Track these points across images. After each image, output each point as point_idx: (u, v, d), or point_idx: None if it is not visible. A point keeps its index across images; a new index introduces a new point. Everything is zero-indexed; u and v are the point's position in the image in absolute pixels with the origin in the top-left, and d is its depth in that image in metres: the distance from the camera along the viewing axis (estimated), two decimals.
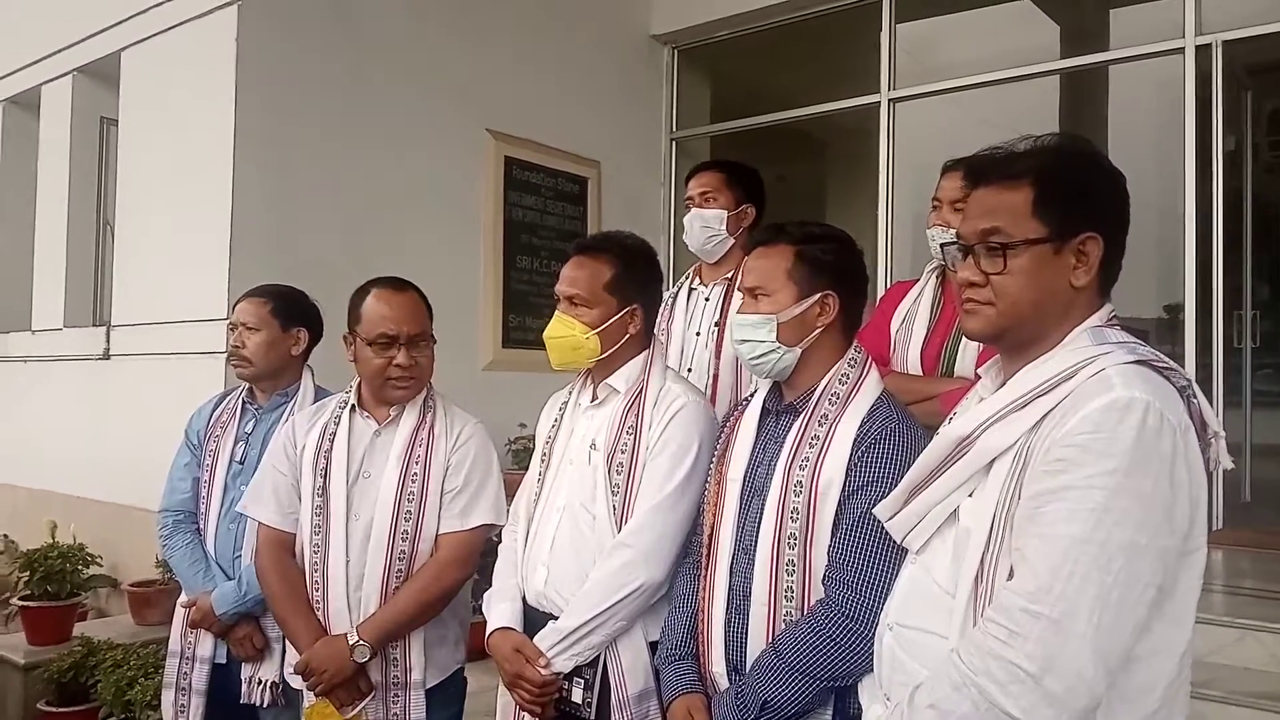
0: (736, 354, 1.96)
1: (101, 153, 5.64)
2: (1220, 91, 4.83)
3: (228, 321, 2.73)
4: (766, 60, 6.74)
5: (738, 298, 2.60)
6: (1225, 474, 1.34)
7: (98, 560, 4.32)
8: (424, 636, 2.28)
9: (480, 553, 2.35)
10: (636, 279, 2.18)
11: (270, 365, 2.71)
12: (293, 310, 2.76)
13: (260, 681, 2.51)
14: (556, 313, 2.16)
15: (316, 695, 2.22)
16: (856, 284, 1.94)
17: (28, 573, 4.07)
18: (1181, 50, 4.93)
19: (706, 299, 2.78)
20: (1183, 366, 1.33)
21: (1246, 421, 5.71)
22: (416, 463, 2.30)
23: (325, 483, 2.31)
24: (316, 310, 2.83)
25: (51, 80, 5.72)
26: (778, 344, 1.86)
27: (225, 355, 2.77)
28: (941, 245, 2.43)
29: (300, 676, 2.24)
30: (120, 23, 5.11)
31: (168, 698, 2.64)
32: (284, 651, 2.50)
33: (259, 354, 2.69)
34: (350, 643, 2.18)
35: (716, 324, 2.69)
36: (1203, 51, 4.87)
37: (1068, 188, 1.37)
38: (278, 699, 2.50)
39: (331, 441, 2.34)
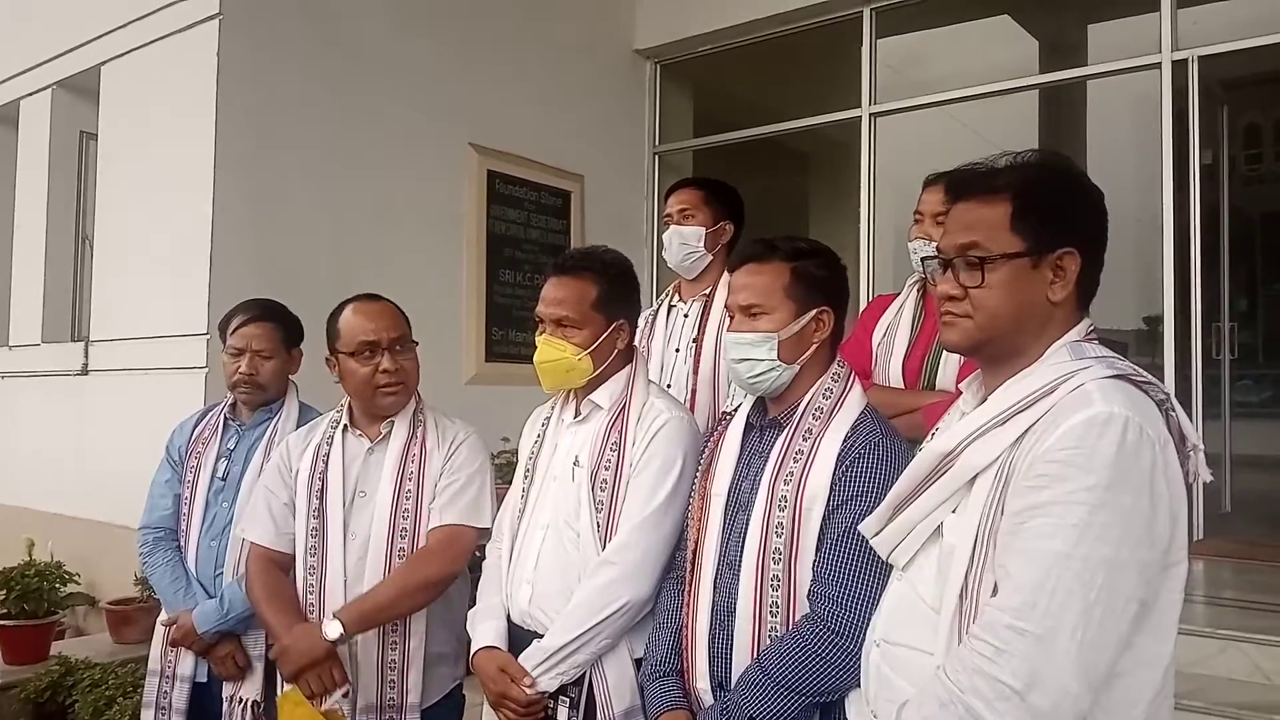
0: (730, 373, 1.95)
1: (81, 167, 5.60)
2: (1197, 106, 4.90)
3: (232, 348, 2.69)
4: (749, 75, 6.78)
5: (718, 313, 2.63)
6: (1205, 485, 1.35)
7: (75, 578, 4.28)
8: (424, 656, 2.26)
9: (469, 551, 2.31)
10: (620, 295, 2.18)
11: (279, 390, 2.73)
12: (294, 332, 2.77)
13: (241, 700, 2.49)
14: (544, 336, 2.13)
15: (286, 680, 2.18)
16: (845, 298, 1.95)
17: (4, 591, 4.01)
18: (1158, 65, 5.00)
19: (685, 315, 2.79)
20: (1162, 378, 1.35)
21: (1225, 432, 5.77)
22: (410, 478, 2.30)
23: (322, 503, 2.30)
24: (303, 328, 2.82)
25: (30, 94, 5.69)
26: (778, 362, 1.85)
27: (230, 381, 2.69)
28: (922, 259, 2.45)
29: (282, 678, 2.21)
30: (100, 37, 5.09)
31: (147, 717, 2.62)
32: (266, 670, 2.49)
33: (273, 380, 2.69)
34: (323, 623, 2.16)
35: (695, 340, 2.69)
36: (1179, 67, 4.94)
37: (1046, 203, 1.38)
38: (259, 718, 2.47)
39: (326, 462, 2.33)
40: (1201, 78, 4.91)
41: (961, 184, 1.47)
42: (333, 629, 2.13)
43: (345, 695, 2.18)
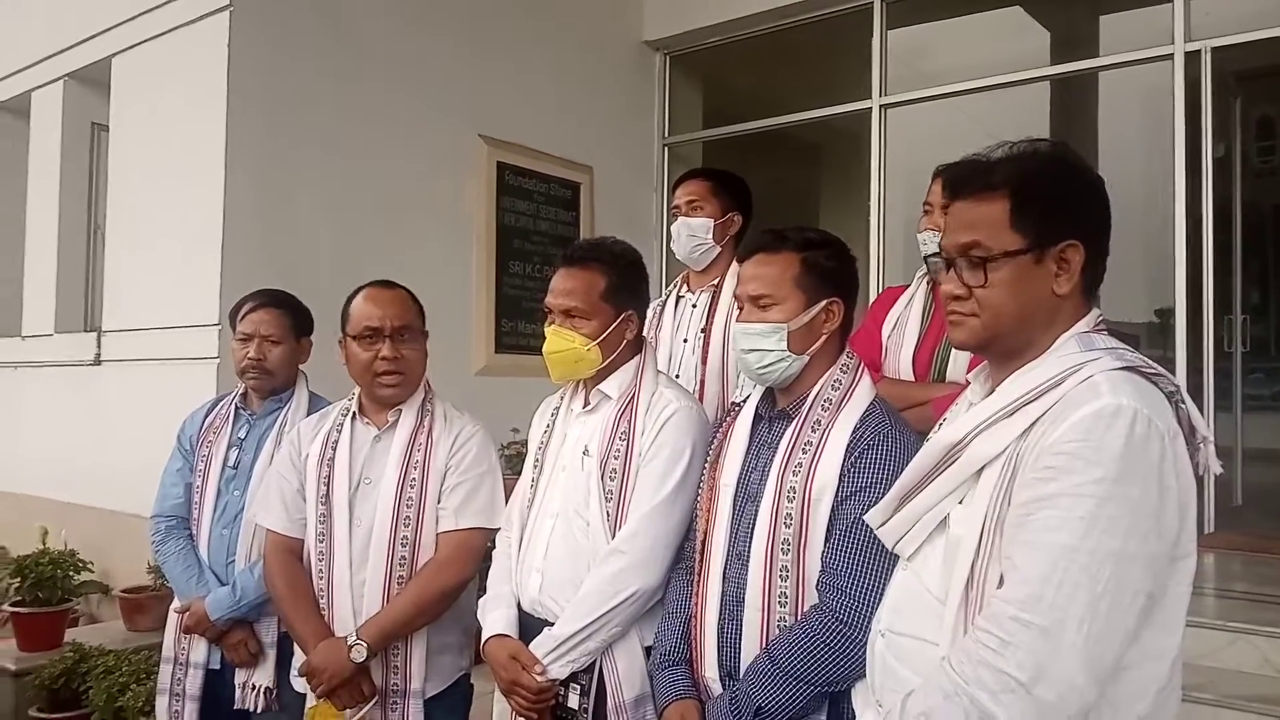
0: (739, 363, 1.94)
1: (93, 158, 5.63)
2: (1209, 98, 4.86)
3: (241, 333, 2.71)
4: (758, 66, 6.76)
5: (727, 304, 2.63)
6: (1216, 478, 1.34)
7: (89, 566, 4.31)
8: (426, 644, 2.27)
9: (481, 553, 2.34)
10: (629, 285, 2.18)
11: (289, 377, 2.74)
12: (304, 321, 2.79)
13: (254, 687, 2.52)
14: (554, 327, 2.14)
15: (318, 697, 2.22)
16: (854, 289, 1.95)
17: (19, 579, 4.05)
18: (1171, 56, 4.97)
19: (694, 306, 2.78)
20: (1173, 371, 1.35)
21: (1237, 425, 5.75)
22: (415, 467, 2.30)
23: (328, 490, 2.32)
24: (313, 318, 2.84)
25: (42, 86, 5.70)
26: (787, 353, 1.85)
27: (238, 366, 2.71)
28: (925, 258, 2.45)
29: (304, 679, 2.24)
30: (112, 28, 5.10)
31: (161, 703, 2.64)
32: (278, 657, 2.51)
33: (281, 366, 2.70)
34: (348, 643, 2.18)
35: (703, 331, 2.69)
36: (1192, 58, 4.90)
37: (1045, 197, 1.37)
38: (271, 704, 2.49)
39: (334, 449, 2.35)
40: (1214, 69, 4.87)
41: (959, 181, 1.45)
42: (359, 653, 2.17)
43: (375, 704, 2.22)
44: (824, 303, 1.87)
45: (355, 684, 2.20)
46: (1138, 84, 5.52)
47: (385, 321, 2.30)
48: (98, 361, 5.02)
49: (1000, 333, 1.39)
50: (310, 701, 2.28)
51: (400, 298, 2.38)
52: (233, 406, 2.76)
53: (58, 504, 4.99)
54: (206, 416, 2.79)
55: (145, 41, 4.90)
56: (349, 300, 2.39)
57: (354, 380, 2.39)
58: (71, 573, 4.16)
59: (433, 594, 2.24)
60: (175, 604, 2.66)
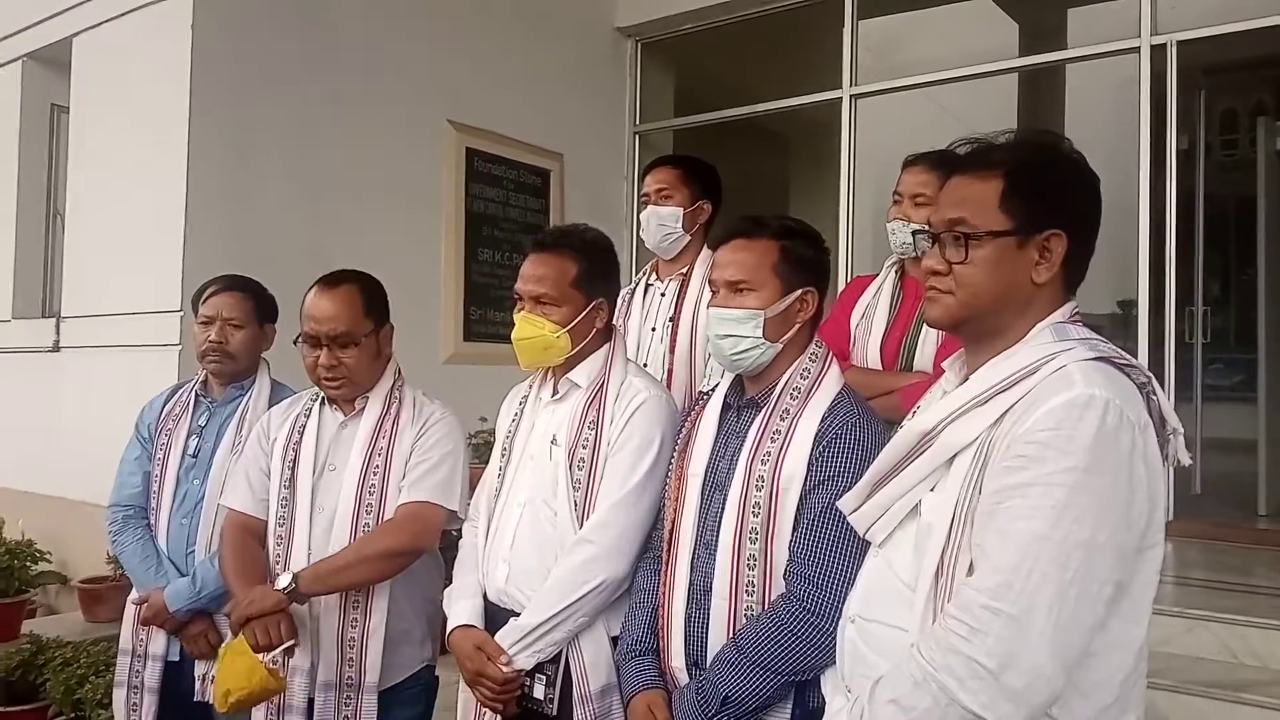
0: (712, 348, 1.93)
1: (52, 141, 5.52)
2: (1175, 91, 4.93)
3: (203, 316, 2.66)
4: (730, 55, 6.76)
5: (695, 292, 2.62)
6: (1176, 467, 1.36)
7: (47, 556, 4.25)
8: (384, 635, 2.24)
9: (433, 527, 2.29)
10: (600, 273, 2.16)
11: (251, 363, 2.69)
12: (268, 307, 2.74)
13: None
14: (523, 314, 2.12)
15: (233, 631, 2.15)
16: (827, 280, 1.95)
17: None
18: (1137, 50, 5.02)
19: (662, 294, 2.77)
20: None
21: (1197, 415, 5.84)
22: (379, 454, 2.28)
23: (293, 475, 2.30)
24: (277, 306, 2.79)
25: (0, 66, 5.58)
26: (762, 340, 1.84)
27: (199, 350, 2.66)
28: (914, 232, 2.45)
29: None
30: (73, 8, 5.00)
31: (119, 696, 2.59)
32: None
33: (243, 351, 2.65)
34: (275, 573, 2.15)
35: (671, 319, 2.68)
36: (1158, 51, 4.96)
37: (1037, 183, 1.37)
38: None
39: (301, 434, 2.33)
40: (1180, 63, 4.93)
41: (956, 158, 1.46)
42: (283, 579, 2.13)
43: (289, 653, 2.15)
44: (800, 291, 1.86)
45: (275, 622, 2.11)
46: (1104, 77, 5.58)
47: (323, 330, 2.26)
48: (56, 348, 4.94)
49: (975, 313, 1.39)
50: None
51: (341, 302, 2.28)
52: (193, 394, 2.71)
53: (15, 493, 4.90)
54: (165, 404, 2.74)
55: (107, 21, 4.80)
56: (308, 292, 2.34)
57: None
58: (29, 563, 4.11)
59: (374, 551, 2.19)
60: (133, 595, 2.62)
